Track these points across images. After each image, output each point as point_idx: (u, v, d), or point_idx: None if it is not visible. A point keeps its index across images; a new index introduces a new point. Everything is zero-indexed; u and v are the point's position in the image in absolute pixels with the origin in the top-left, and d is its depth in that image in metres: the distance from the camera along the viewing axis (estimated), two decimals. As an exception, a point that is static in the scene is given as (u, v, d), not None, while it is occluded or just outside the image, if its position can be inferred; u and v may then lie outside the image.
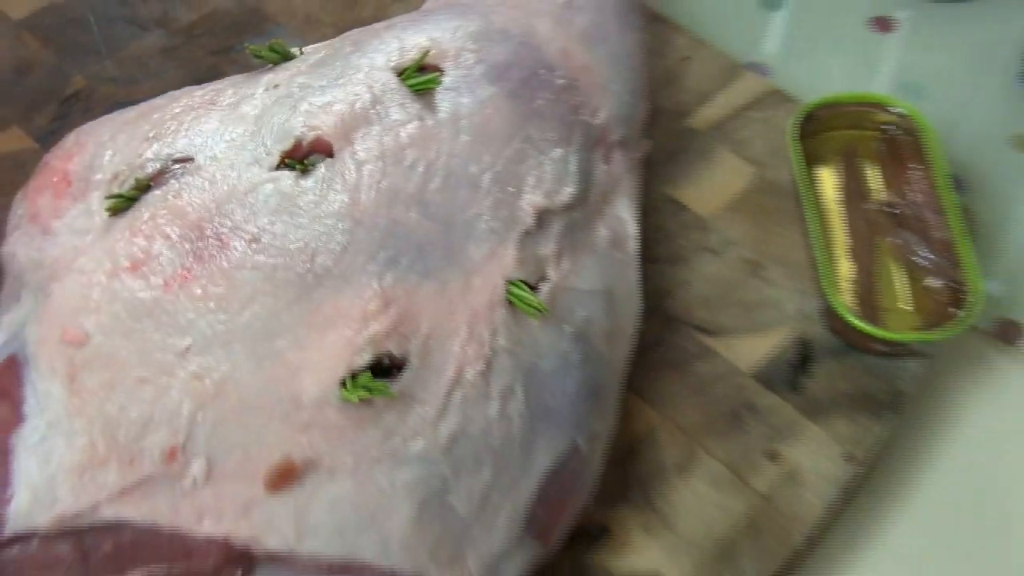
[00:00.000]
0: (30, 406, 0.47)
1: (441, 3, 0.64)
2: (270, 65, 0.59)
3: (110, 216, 0.51)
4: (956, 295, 0.62)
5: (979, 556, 0.61)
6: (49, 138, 0.59)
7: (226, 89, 0.56)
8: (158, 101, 0.56)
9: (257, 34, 0.71)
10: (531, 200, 0.55)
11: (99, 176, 0.52)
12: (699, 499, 0.58)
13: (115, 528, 0.46)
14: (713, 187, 0.68)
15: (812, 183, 0.66)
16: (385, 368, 0.49)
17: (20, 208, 0.54)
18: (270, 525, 0.47)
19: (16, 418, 0.47)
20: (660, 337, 0.62)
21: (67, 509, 0.46)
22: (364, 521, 0.48)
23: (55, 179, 0.53)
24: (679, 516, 0.57)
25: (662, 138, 0.69)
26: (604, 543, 0.56)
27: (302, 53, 0.59)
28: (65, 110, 0.66)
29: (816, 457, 0.59)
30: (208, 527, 0.47)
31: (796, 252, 0.65)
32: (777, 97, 0.71)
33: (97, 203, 0.52)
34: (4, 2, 0.72)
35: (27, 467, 0.46)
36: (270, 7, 0.73)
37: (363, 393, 0.48)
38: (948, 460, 0.64)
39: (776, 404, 0.60)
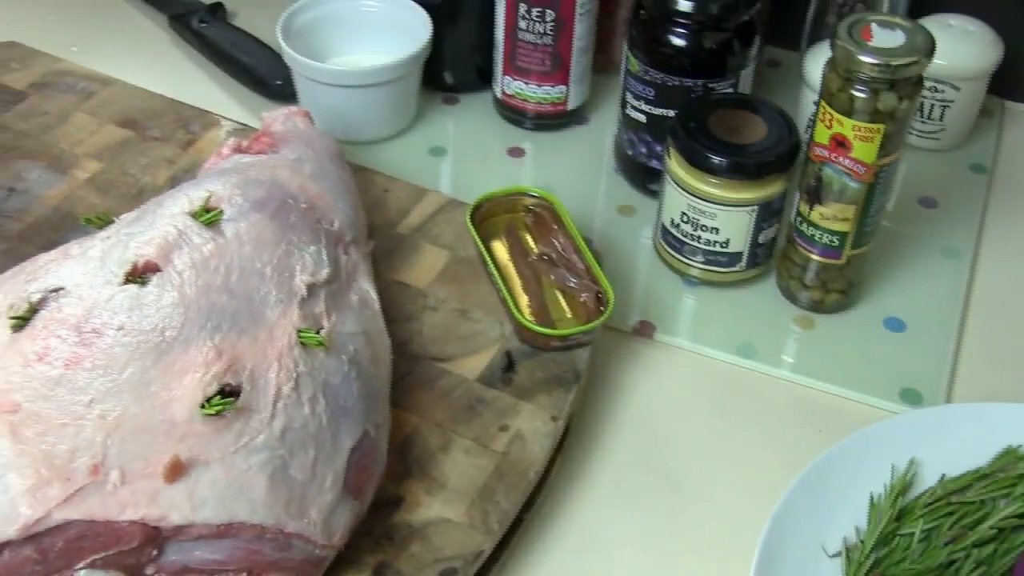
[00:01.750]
0: (-15, 459, 0.59)
1: (207, 173, 0.80)
2: (98, 229, 0.73)
3: (13, 332, 0.64)
4: (599, 302, 0.80)
5: (645, 468, 0.78)
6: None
7: (72, 246, 0.70)
8: (24, 264, 0.70)
9: (71, 229, 0.84)
10: (302, 279, 0.69)
11: (-3, 311, 0.65)
12: (459, 465, 0.72)
13: (64, 527, 0.58)
14: (423, 268, 0.84)
15: (490, 252, 0.83)
16: (228, 393, 0.63)
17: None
18: (172, 505, 0.59)
19: (-23, 470, 0.59)
20: (409, 369, 0.77)
21: (28, 519, 0.57)
22: (235, 493, 0.60)
23: (-39, 325, 0.66)
24: (448, 478, 0.71)
25: (381, 242, 0.84)
26: (401, 507, 0.69)
27: (119, 219, 0.73)
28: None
29: (532, 422, 0.74)
30: (129, 514, 0.59)
31: (489, 298, 0.82)
32: (455, 204, 0.88)
33: (0, 328, 0.64)
34: None
35: (-8, 499, 0.58)
36: (78, 210, 0.87)
37: (217, 409, 0.61)
38: (617, 413, 0.81)
39: (497, 395, 0.76)
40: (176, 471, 0.60)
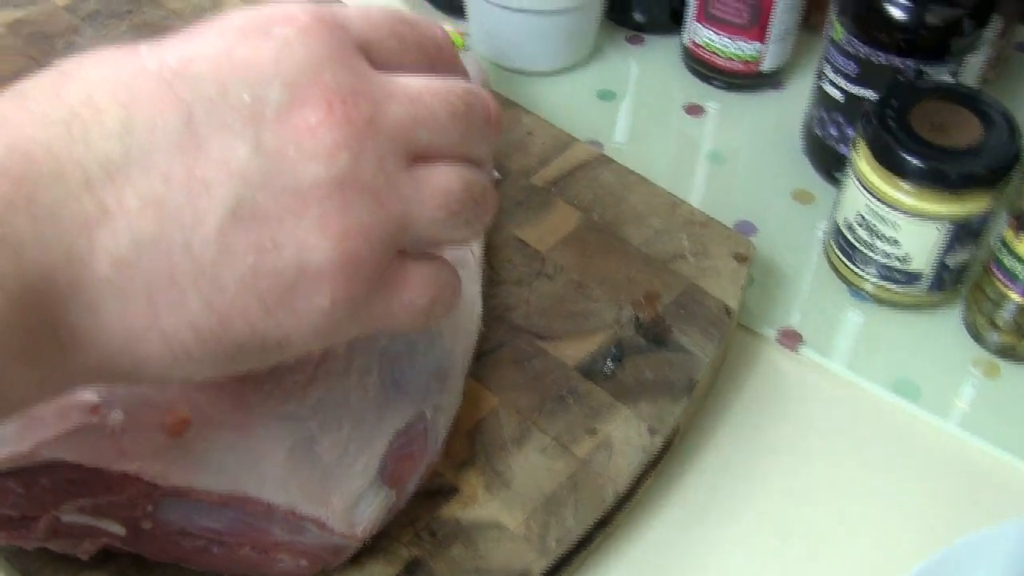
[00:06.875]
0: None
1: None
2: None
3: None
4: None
5: (756, 506, 0.68)
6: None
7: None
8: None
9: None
10: (388, 226, 0.62)
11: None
12: (531, 464, 0.64)
13: (51, 466, 0.52)
14: (548, 228, 0.75)
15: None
16: (265, 347, 0.56)
17: None
18: (173, 464, 0.53)
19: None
20: (504, 341, 0.69)
21: (13, 451, 0.52)
22: (246, 463, 0.54)
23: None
24: (515, 477, 0.63)
25: (511, 191, 0.76)
26: (454, 499, 0.62)
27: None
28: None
29: (625, 430, 0.65)
30: (124, 465, 0.53)
31: (614, 275, 0.72)
32: (603, 161, 0.79)
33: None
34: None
35: (-22, 425, 0.53)
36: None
37: (246, 362, 0.55)
38: (734, 432, 0.71)
39: (592, 390, 0.67)
40: (183, 426, 0.53)
